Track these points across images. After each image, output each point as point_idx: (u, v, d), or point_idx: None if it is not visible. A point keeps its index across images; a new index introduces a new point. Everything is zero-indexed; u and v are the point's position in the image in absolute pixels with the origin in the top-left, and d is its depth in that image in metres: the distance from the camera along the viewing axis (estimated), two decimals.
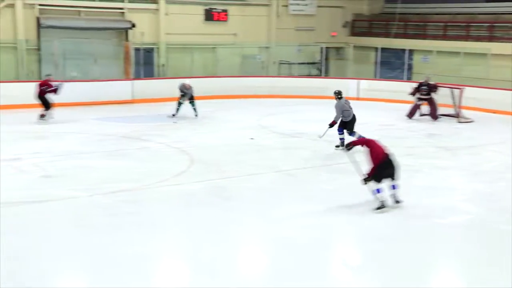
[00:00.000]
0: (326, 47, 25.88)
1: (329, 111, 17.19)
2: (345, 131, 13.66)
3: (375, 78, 24.66)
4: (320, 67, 25.77)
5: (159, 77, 22.77)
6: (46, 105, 16.50)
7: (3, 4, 19.92)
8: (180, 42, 23.14)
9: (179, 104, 17.82)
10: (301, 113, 19.35)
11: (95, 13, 21.71)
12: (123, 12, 22.26)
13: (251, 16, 25.05)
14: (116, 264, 7.17)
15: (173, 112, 17.72)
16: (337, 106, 13.47)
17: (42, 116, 16.39)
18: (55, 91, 16.37)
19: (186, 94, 17.83)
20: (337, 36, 27.04)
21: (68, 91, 19.26)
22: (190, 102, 17.95)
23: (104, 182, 10.65)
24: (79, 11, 21.39)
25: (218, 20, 24.37)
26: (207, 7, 24.07)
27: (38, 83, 17.09)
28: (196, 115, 17.84)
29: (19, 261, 7.16)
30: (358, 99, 22.71)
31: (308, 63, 25.97)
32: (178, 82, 18.76)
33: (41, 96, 16.52)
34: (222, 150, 13.76)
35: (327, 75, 25.86)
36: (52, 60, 20.38)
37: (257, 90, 22.66)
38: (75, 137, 14.53)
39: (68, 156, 12.52)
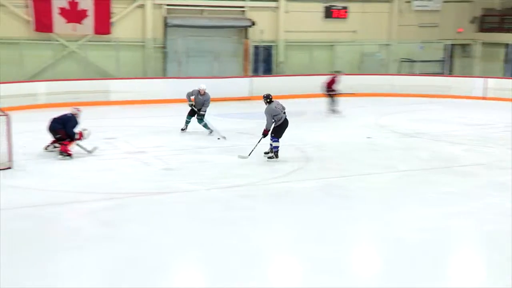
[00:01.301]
0: (451, 44, 24.69)
1: (452, 110, 16.34)
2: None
3: (504, 76, 23.14)
4: (444, 65, 24.66)
5: (277, 74, 22.97)
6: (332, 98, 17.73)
7: (134, 5, 21.08)
8: (298, 40, 23.19)
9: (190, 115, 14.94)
10: (422, 113, 18.65)
11: (217, 12, 22.35)
12: (243, 11, 22.70)
13: (372, 13, 24.52)
14: (231, 259, 7.28)
15: (182, 126, 14.94)
16: (266, 112, 12.02)
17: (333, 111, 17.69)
18: None
19: (198, 102, 14.70)
20: (463, 32, 25.72)
21: (189, 88, 20.04)
22: (198, 115, 14.68)
23: (221, 177, 10.91)
24: (202, 10, 22.13)
25: (337, 17, 24.12)
26: (327, 5, 23.89)
27: (326, 79, 18.25)
28: (210, 132, 14.66)
29: (140, 250, 7.50)
30: (484, 98, 21.50)
31: (430, 61, 24.93)
32: (295, 80, 18.77)
33: (329, 89, 17.84)
34: (338, 148, 13.58)
35: (451, 73, 24.70)
36: (176, 57, 21.25)
37: (376, 88, 22.17)
38: (195, 132, 15.02)
39: (188, 150, 12.99)
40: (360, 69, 24.10)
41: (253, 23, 22.31)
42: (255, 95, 20.99)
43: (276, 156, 11.93)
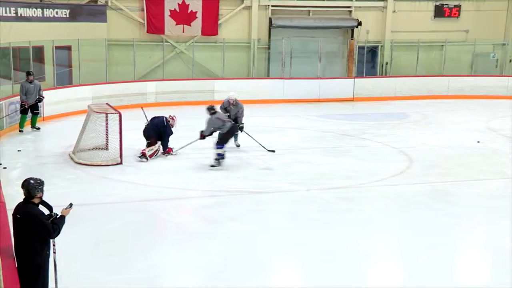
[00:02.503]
0: None
1: None
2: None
3: None
4: None
5: (382, 75, 22.45)
6: None
7: (241, 6, 21.46)
8: (406, 40, 22.50)
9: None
10: None
11: (323, 12, 22.21)
12: (350, 11, 22.41)
13: (487, 11, 23.25)
14: (329, 261, 7.20)
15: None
16: (207, 122, 11.63)
17: None
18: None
19: (232, 114, 12.82)
20: None
21: (292, 89, 20.15)
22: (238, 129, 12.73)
23: (321, 178, 10.83)
24: (308, 10, 22.09)
25: (449, 16, 23.15)
26: (438, 3, 23.00)
27: None
28: (237, 145, 13.13)
29: (239, 247, 7.62)
30: None
31: None
32: (400, 81, 18.17)
33: None
34: (444, 152, 13.04)
35: None
36: (280, 58, 21.39)
37: (489, 90, 21.09)
38: (297, 132, 15.04)
39: (288, 151, 13.01)
40: (472, 70, 22.97)
41: (359, 23, 21.96)
42: (358, 96, 20.71)
43: (218, 164, 11.28)
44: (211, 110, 11.65)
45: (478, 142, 13.85)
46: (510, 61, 23.36)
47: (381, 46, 22.79)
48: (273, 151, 12.61)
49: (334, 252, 7.47)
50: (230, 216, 8.80)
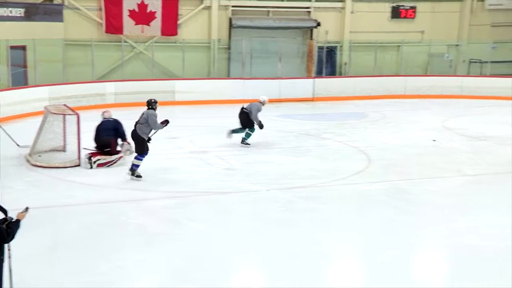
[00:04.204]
0: None
1: None
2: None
3: None
4: None
5: (341, 75, 22.73)
6: None
7: (201, 6, 21.39)
8: (364, 40, 22.85)
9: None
10: (491, 115, 17.97)
11: (283, 12, 22.34)
12: (309, 11, 22.59)
13: (442, 13, 23.84)
14: (290, 260, 7.24)
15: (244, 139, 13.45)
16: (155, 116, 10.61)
17: None
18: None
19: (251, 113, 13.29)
20: None
21: (252, 89, 20.18)
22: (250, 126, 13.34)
23: (283, 178, 10.88)
24: (268, 11, 22.18)
25: (405, 17, 23.61)
26: (394, 4, 23.44)
27: None
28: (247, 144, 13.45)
29: (202, 248, 7.58)
30: None
31: (503, 62, 23.96)
32: (359, 81, 18.38)
33: None
34: (402, 151, 13.29)
35: None
36: (240, 58, 21.42)
37: (444, 90, 21.60)
38: (258, 133, 15.04)
39: (249, 151, 13.02)
40: (428, 70, 23.48)
41: (318, 24, 22.18)
42: (318, 96, 20.91)
43: (133, 175, 10.44)
44: (150, 104, 10.71)
45: (434, 140, 14.15)
46: (463, 61, 23.99)
47: (340, 46, 23.09)
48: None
49: (296, 251, 7.51)
50: (192, 217, 8.75)
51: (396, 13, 23.53)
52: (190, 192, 9.91)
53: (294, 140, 14.34)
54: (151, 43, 20.84)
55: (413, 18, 23.67)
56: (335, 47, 23.14)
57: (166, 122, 10.78)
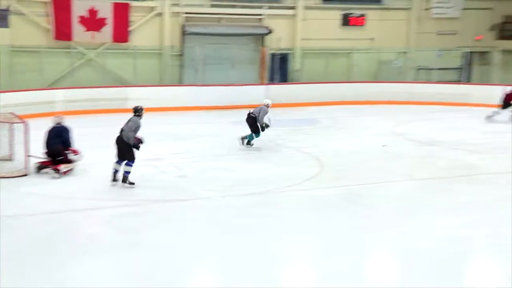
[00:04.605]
0: (470, 52, 24.52)
1: (471, 119, 16.26)
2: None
3: None
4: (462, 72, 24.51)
5: (293, 82, 22.96)
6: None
7: (152, 13, 21.24)
8: (315, 47, 23.17)
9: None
10: (439, 121, 18.49)
11: (235, 19, 22.42)
12: (261, 19, 22.76)
13: (390, 21, 24.42)
14: (245, 265, 7.27)
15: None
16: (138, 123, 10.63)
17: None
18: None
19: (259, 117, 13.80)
20: (482, 40, 25.49)
21: (206, 95, 20.21)
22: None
23: (237, 184, 10.90)
24: (220, 18, 22.22)
25: (355, 25, 24.08)
26: (344, 12, 23.87)
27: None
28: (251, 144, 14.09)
29: (158, 257, 7.50)
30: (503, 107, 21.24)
31: (449, 69, 24.73)
32: (311, 87, 18.59)
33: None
34: (354, 156, 13.52)
35: (469, 81, 24.50)
36: (193, 65, 21.37)
37: (393, 96, 22.07)
38: (211, 139, 15.06)
39: (203, 158, 13.01)
40: (377, 77, 23.99)
41: (270, 31, 22.36)
42: (271, 103, 21.00)
43: (125, 181, 10.43)
44: (137, 111, 10.74)
45: (385, 146, 14.45)
46: (411, 68, 24.61)
47: (292, 53, 23.32)
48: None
49: (251, 257, 7.53)
50: (146, 226, 8.66)
51: (346, 20, 23.96)
52: (144, 200, 9.81)
53: (247, 146, 14.36)
54: (102, 50, 20.54)
55: (362, 25, 24.16)
56: (287, 54, 23.37)
57: (139, 142, 10.57)
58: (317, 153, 13.52)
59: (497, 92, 21.33)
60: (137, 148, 10.54)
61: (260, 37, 22.81)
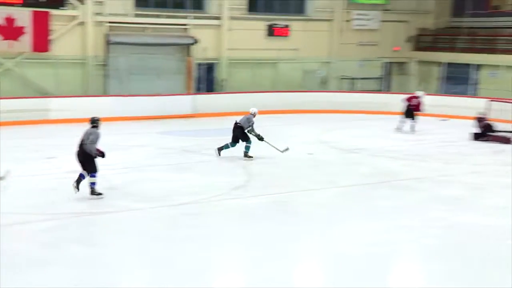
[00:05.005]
0: (389, 62, 25.54)
1: (391, 127, 16.94)
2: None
3: (439, 93, 24.11)
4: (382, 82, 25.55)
5: (220, 91, 23.09)
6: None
7: (74, 22, 20.76)
8: (241, 57, 23.40)
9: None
10: (362, 129, 19.12)
11: (160, 29, 22.29)
12: (186, 28, 22.75)
13: (313, 31, 25.04)
14: (176, 277, 7.27)
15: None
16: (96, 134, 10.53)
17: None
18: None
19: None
20: (400, 51, 26.66)
21: (133, 106, 19.95)
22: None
23: (166, 195, 10.86)
24: (145, 27, 22.02)
25: (280, 35, 24.51)
26: (269, 23, 24.26)
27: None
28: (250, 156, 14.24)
29: (82, 272, 7.37)
30: (421, 114, 22.28)
31: (370, 78, 25.68)
32: (238, 97, 18.72)
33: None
34: (281, 164, 13.76)
35: (389, 90, 25.51)
36: (118, 75, 21.05)
37: (318, 105, 22.61)
38: (139, 150, 14.89)
39: (132, 169, 12.84)
40: (302, 87, 24.52)
41: (196, 41, 22.39)
42: (198, 113, 21.07)
43: (93, 193, 10.43)
44: (94, 122, 10.59)
45: (310, 154, 14.80)
46: (334, 77, 25.36)
47: (219, 63, 23.45)
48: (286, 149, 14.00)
49: (181, 268, 7.54)
50: (73, 239, 8.46)
51: (271, 31, 24.36)
52: (70, 214, 9.58)
53: (175, 156, 14.34)
54: (21, 59, 19.86)
55: (287, 36, 24.63)
56: (214, 63, 23.47)
57: (101, 154, 10.41)
58: (245, 162, 13.67)
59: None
60: (103, 155, 10.44)
61: (186, 47, 22.77)
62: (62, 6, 20.54)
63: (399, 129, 17.99)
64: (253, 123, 14.15)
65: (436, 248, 8.39)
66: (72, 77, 20.68)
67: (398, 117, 18.41)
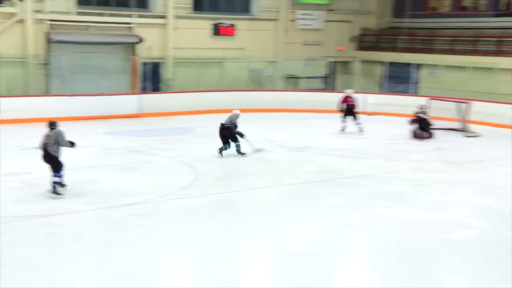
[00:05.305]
0: (333, 62, 25.95)
1: (336, 125, 17.23)
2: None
3: (381, 92, 24.68)
4: (327, 81, 25.94)
5: (166, 91, 22.89)
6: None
7: (13, 20, 20.12)
8: (187, 57, 23.27)
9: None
10: (308, 127, 19.36)
11: (104, 28, 21.89)
12: (131, 27, 22.43)
13: (259, 31, 25.17)
14: (121, 278, 7.17)
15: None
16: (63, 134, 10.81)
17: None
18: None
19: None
20: (344, 50, 27.15)
21: (76, 105, 19.52)
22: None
23: (111, 196, 10.69)
24: (88, 26, 21.58)
25: (225, 34, 24.52)
26: (215, 22, 24.22)
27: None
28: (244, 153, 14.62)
29: (25, 275, 7.17)
30: (364, 113, 22.73)
31: (315, 77, 26.05)
32: (185, 96, 18.57)
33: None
34: (228, 163, 13.79)
35: (334, 89, 25.93)
36: (60, 74, 20.54)
37: (264, 104, 22.73)
38: (83, 151, 14.51)
39: (75, 170, 12.51)
40: (248, 85, 24.60)
41: (141, 40, 22.10)
42: (144, 112, 20.83)
43: (53, 192, 10.50)
44: (52, 125, 10.85)
45: (258, 150, 14.85)
46: (280, 77, 25.57)
47: (164, 62, 23.23)
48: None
49: (128, 270, 7.44)
50: (13, 244, 8.20)
51: (217, 30, 24.32)
52: (10, 217, 9.28)
53: (121, 157, 14.13)
54: None
55: (233, 35, 24.66)
56: (159, 63, 23.24)
57: (72, 144, 10.87)
58: (192, 162, 13.61)
59: (359, 100, 22.87)
60: (73, 145, 10.89)
61: (130, 46, 22.44)
62: (0, 2, 19.89)
63: (343, 130, 18.15)
64: (236, 122, 14.60)
65: (381, 244, 8.59)
66: (12, 77, 20.02)
67: (339, 118, 18.48)
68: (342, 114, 18.31)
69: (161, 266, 7.64)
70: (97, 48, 21.50)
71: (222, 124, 14.53)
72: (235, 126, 14.55)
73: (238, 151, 14.45)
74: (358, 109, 18.48)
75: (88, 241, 8.45)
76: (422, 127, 17.61)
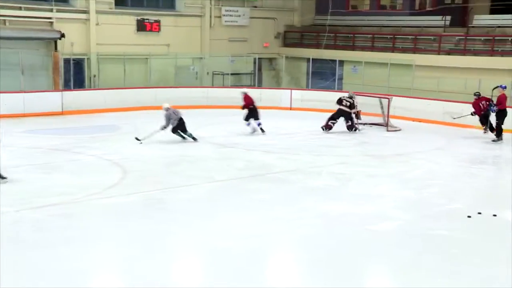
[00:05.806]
0: (259, 58, 26.20)
1: (264, 120, 17.42)
2: None
3: (307, 88, 25.15)
4: (253, 77, 26.13)
5: (90, 88, 22.33)
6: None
7: None
8: (111, 53, 22.80)
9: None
10: (235, 124, 19.37)
11: (22, 22, 21.06)
12: (51, 22, 21.70)
13: (184, 27, 25.03)
14: (47, 282, 6.95)
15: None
16: None
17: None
18: None
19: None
20: (269, 47, 27.45)
21: None
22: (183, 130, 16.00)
23: (33, 196, 10.32)
24: (4, 20, 20.68)
25: (150, 30, 24.20)
26: (139, 18, 23.85)
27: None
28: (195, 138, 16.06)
29: None
30: (291, 109, 23.15)
31: (242, 74, 26.19)
32: (109, 93, 18.21)
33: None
34: (155, 161, 13.65)
35: (260, 85, 26.16)
36: None
37: (191, 100, 22.64)
38: (2, 150, 13.95)
39: None
40: (175, 82, 24.41)
41: (62, 35, 21.43)
42: (67, 110, 20.24)
43: None
44: None
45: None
46: (207, 73, 25.53)
47: (88, 58, 22.65)
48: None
49: (56, 273, 7.22)
50: None
51: (141, 26, 23.98)
52: None
53: (43, 156, 13.67)
54: None
55: (158, 31, 24.38)
56: (83, 59, 22.63)
57: None
58: (119, 160, 13.38)
59: (285, 96, 23.24)
60: None
61: (51, 42, 21.73)
62: None
63: (252, 132, 17.70)
64: (171, 119, 15.65)
65: (309, 238, 8.77)
66: None
67: (242, 121, 17.86)
68: (246, 116, 17.63)
69: (87, 266, 7.46)
70: (15, 43, 20.71)
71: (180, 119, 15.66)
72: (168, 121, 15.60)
73: (193, 136, 15.93)
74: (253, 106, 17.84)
75: (10, 245, 8.09)
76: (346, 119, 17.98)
